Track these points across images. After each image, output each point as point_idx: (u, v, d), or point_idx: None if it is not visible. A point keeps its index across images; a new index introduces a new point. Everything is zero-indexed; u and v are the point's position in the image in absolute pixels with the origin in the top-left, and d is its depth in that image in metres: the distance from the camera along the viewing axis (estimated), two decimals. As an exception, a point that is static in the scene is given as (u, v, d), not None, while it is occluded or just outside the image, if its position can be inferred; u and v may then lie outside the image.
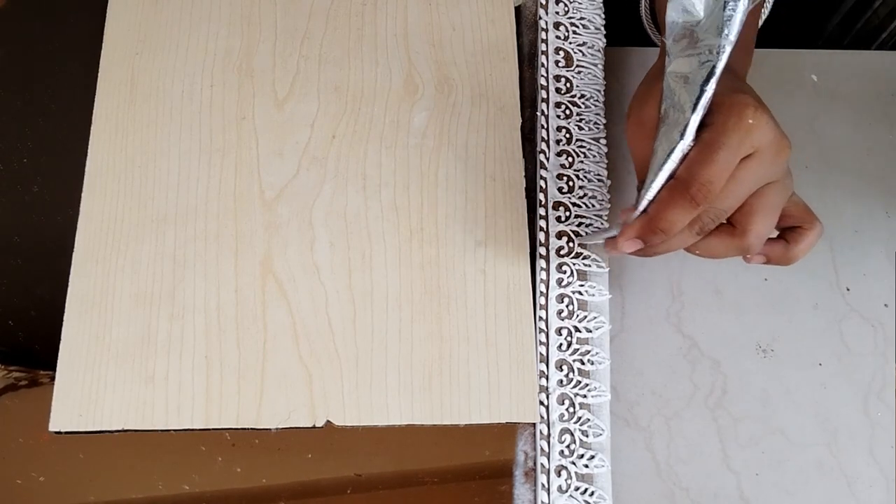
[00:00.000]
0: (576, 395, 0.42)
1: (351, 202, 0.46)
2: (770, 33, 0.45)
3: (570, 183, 0.46)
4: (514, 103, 0.49)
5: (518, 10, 0.52)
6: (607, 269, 0.44)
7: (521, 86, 0.50)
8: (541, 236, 0.45)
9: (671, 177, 0.35)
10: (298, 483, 0.42)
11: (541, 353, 0.43)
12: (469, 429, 0.42)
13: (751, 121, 0.33)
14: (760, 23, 0.45)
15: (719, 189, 0.34)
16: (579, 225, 0.45)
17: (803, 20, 0.71)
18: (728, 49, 0.33)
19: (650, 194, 0.36)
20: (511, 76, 0.50)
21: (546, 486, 0.41)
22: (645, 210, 0.36)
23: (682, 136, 0.34)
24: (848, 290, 0.48)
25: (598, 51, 0.50)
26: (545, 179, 0.46)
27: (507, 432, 0.42)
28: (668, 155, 0.34)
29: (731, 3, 0.33)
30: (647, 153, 0.37)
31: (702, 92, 0.33)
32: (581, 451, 0.41)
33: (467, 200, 0.46)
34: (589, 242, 0.44)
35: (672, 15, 0.36)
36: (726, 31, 0.33)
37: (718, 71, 0.33)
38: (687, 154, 0.34)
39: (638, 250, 0.37)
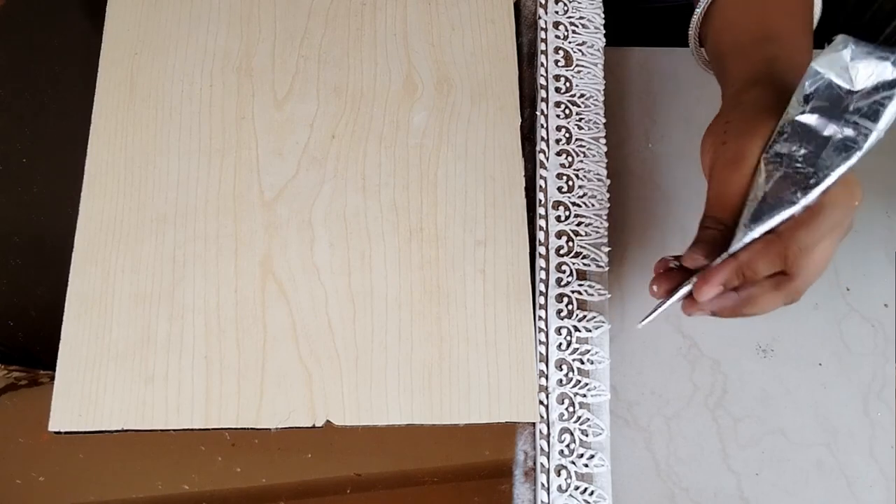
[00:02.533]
0: (575, 394, 0.42)
1: (350, 202, 0.46)
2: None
3: (570, 182, 0.46)
4: (513, 103, 0.49)
5: (517, 9, 0.52)
6: (607, 269, 0.44)
7: (520, 85, 0.50)
8: (540, 236, 0.45)
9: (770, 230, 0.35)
10: (298, 483, 0.42)
11: (540, 353, 0.43)
12: (469, 429, 0.42)
13: (857, 203, 0.34)
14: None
15: (810, 255, 0.34)
16: (579, 224, 0.45)
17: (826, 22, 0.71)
18: (876, 138, 0.33)
19: (746, 240, 0.35)
20: (510, 76, 0.50)
21: (546, 485, 0.41)
22: (734, 254, 0.35)
23: (800, 198, 0.33)
24: (848, 290, 0.48)
25: (598, 50, 0.50)
26: (545, 179, 0.46)
27: (507, 432, 0.42)
28: (780, 210, 0.34)
29: (895, 97, 0.33)
30: (734, 189, 0.36)
31: (838, 166, 0.33)
32: (581, 450, 0.41)
33: (467, 200, 0.46)
34: (654, 316, 0.41)
35: (823, 66, 0.34)
36: (882, 121, 0.33)
37: (861, 155, 0.33)
38: (793, 216, 0.34)
39: (727, 311, 0.36)
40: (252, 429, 0.41)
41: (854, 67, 0.33)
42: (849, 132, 0.33)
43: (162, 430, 0.41)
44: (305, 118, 0.47)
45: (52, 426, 0.40)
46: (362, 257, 0.44)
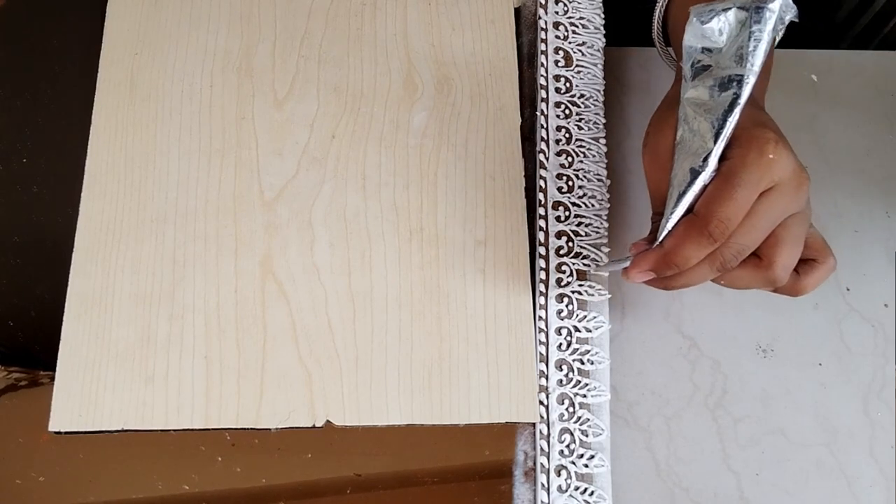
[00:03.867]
0: (575, 394, 0.42)
1: (350, 202, 0.46)
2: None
3: (570, 183, 0.46)
4: (513, 103, 0.49)
5: (518, 10, 0.52)
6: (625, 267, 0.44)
7: (520, 85, 0.50)
8: (540, 236, 0.45)
9: (689, 208, 0.34)
10: (298, 483, 0.42)
11: (540, 353, 0.43)
12: (469, 429, 0.42)
13: (771, 155, 0.33)
14: (775, 44, 0.45)
15: (736, 225, 0.33)
16: (579, 225, 0.45)
17: (805, 19, 0.71)
18: (752, 80, 0.33)
19: (669, 224, 0.35)
20: (510, 76, 0.50)
21: (546, 485, 0.41)
22: (661, 242, 0.36)
23: (703, 165, 0.33)
24: (848, 290, 0.48)
25: (598, 50, 0.50)
26: (545, 179, 0.46)
27: (507, 432, 0.42)
28: (689, 185, 0.34)
29: (755, 34, 0.33)
30: (661, 181, 0.37)
31: (724, 122, 0.33)
32: (581, 450, 0.41)
33: (467, 200, 0.46)
34: (601, 273, 0.44)
35: (690, 40, 0.35)
36: (750, 63, 0.33)
37: (742, 102, 0.32)
38: (706, 186, 0.34)
39: (656, 283, 0.37)
40: (252, 429, 0.41)
41: (708, 30, 0.34)
42: (727, 86, 0.33)
43: (162, 431, 0.41)
44: (305, 118, 0.47)
45: (52, 426, 0.40)
46: (362, 257, 0.44)
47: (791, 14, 0.34)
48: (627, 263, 0.37)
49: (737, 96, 0.33)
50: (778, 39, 0.44)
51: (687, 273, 0.36)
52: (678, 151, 0.36)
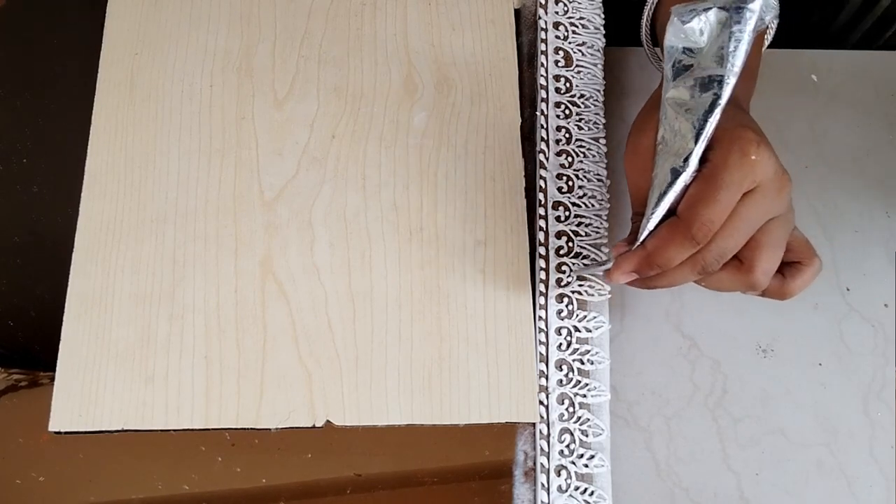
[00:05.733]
0: (575, 394, 0.42)
1: (350, 202, 0.46)
2: (776, 33, 0.45)
3: (570, 183, 0.46)
4: (513, 103, 0.49)
5: (517, 10, 0.52)
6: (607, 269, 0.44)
7: (520, 85, 0.50)
8: (540, 236, 0.45)
9: (671, 210, 0.34)
10: (298, 483, 0.42)
11: (540, 353, 0.43)
12: (469, 429, 0.42)
13: (753, 157, 0.32)
14: (765, 47, 0.45)
15: (719, 227, 0.33)
16: (578, 225, 0.45)
17: (808, 19, 0.71)
18: (732, 81, 0.32)
19: (651, 225, 0.35)
20: (510, 76, 0.50)
21: (546, 485, 0.41)
22: (643, 242, 0.35)
23: (684, 166, 0.33)
24: (848, 290, 0.48)
25: (598, 51, 0.50)
26: (545, 179, 0.46)
27: (507, 432, 0.42)
28: (669, 186, 0.34)
29: (735, 34, 0.32)
30: (642, 183, 0.36)
31: (705, 123, 0.33)
32: (581, 450, 0.41)
33: (467, 200, 0.46)
34: (586, 273, 0.44)
35: (671, 40, 0.35)
36: (731, 63, 0.32)
37: (723, 102, 0.32)
38: (688, 186, 0.34)
39: (638, 283, 0.37)
40: (252, 429, 0.41)
41: (689, 29, 0.34)
42: (707, 86, 0.33)
43: (162, 431, 0.41)
44: (305, 118, 0.47)
45: (52, 426, 0.40)
46: (362, 257, 0.44)
47: (772, 14, 0.34)
48: (609, 265, 0.37)
49: (717, 97, 0.33)
50: (769, 40, 0.44)
51: (668, 274, 0.36)
52: (659, 152, 0.35)
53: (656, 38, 0.47)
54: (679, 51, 0.35)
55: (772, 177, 0.33)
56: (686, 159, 0.33)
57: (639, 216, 0.37)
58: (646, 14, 0.45)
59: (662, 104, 0.36)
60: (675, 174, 0.34)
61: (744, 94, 0.41)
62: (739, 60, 0.33)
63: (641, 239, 0.35)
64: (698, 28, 0.34)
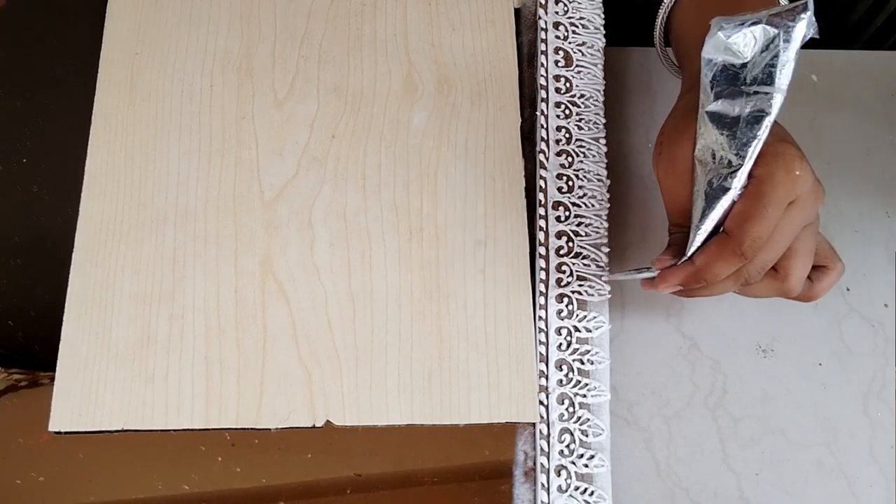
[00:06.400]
0: (575, 394, 0.42)
1: (350, 202, 0.46)
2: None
3: (570, 183, 0.46)
4: (513, 103, 0.49)
5: (517, 10, 0.52)
6: (607, 269, 0.44)
7: (520, 86, 0.50)
8: (540, 236, 0.45)
9: (718, 225, 0.35)
10: (298, 483, 0.42)
11: (540, 353, 0.43)
12: (469, 429, 0.42)
13: (797, 172, 0.33)
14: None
15: (766, 242, 0.34)
16: (579, 225, 0.45)
17: (821, 20, 0.71)
18: (780, 98, 0.32)
19: (698, 240, 0.35)
20: (510, 76, 0.50)
21: (546, 485, 0.41)
22: (690, 257, 0.36)
23: (731, 182, 0.33)
24: (848, 290, 0.48)
25: (598, 51, 0.50)
26: (545, 179, 0.46)
27: (507, 432, 0.42)
28: (716, 201, 0.34)
29: (784, 51, 0.32)
30: (681, 194, 0.37)
31: (752, 139, 0.33)
32: (581, 450, 0.41)
33: (467, 200, 0.46)
34: (622, 279, 0.44)
35: (710, 52, 0.35)
36: (779, 80, 0.32)
37: (771, 120, 0.32)
38: (734, 202, 0.34)
39: (679, 293, 0.38)
40: (252, 429, 0.41)
41: (734, 43, 0.34)
42: (754, 102, 0.33)
43: (162, 431, 0.41)
44: (305, 118, 0.47)
45: (52, 426, 0.40)
46: (362, 257, 0.44)
47: (813, 30, 0.34)
48: (648, 274, 0.38)
49: (765, 114, 0.33)
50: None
51: (711, 286, 0.36)
52: (700, 165, 0.35)
53: (668, 41, 0.47)
54: (719, 64, 0.35)
55: (810, 188, 0.34)
56: (734, 176, 0.33)
57: (677, 227, 0.38)
58: (661, 17, 0.45)
59: (701, 116, 0.35)
60: (723, 190, 0.34)
61: None
62: (787, 78, 0.33)
63: (690, 253, 0.36)
64: (743, 42, 0.34)
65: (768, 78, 0.33)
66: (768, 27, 0.33)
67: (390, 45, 0.50)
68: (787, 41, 0.33)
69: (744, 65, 0.34)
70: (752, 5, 0.41)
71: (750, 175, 0.34)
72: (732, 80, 0.34)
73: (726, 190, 0.34)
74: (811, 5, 0.33)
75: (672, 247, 0.38)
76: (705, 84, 0.35)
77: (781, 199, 0.33)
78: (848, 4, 0.70)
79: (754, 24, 0.33)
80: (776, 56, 0.33)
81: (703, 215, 0.35)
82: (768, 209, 0.33)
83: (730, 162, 0.34)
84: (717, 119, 0.35)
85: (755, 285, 0.37)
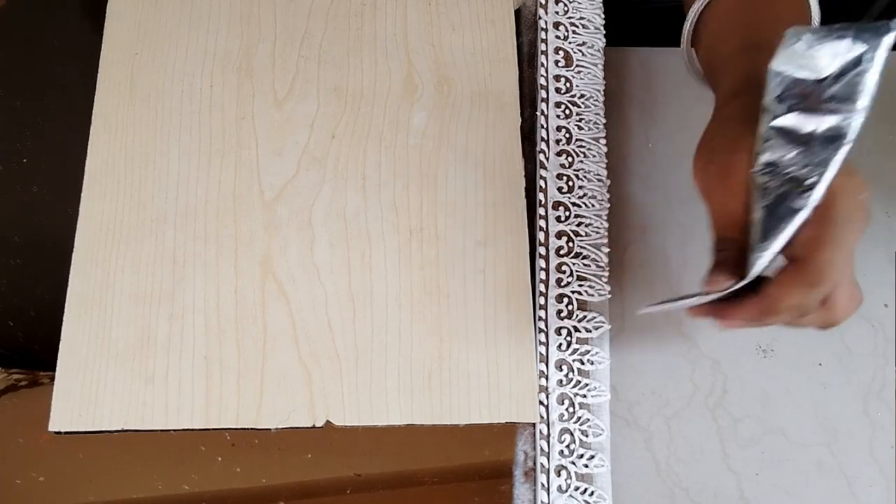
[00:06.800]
0: (575, 394, 0.42)
1: (350, 202, 0.46)
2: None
3: (570, 183, 0.46)
4: (513, 103, 0.49)
5: (518, 10, 0.52)
6: (607, 269, 0.44)
7: (520, 86, 0.50)
8: (540, 236, 0.45)
9: (782, 249, 0.32)
10: (298, 483, 0.42)
11: (540, 353, 0.43)
12: (469, 429, 0.42)
13: (861, 198, 0.32)
14: None
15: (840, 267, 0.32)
16: (579, 225, 0.45)
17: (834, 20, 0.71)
18: (862, 118, 0.31)
19: (763, 262, 0.33)
20: (511, 76, 0.50)
21: (546, 485, 0.41)
22: (757, 288, 0.33)
23: (804, 203, 0.31)
24: (848, 289, 0.48)
25: (598, 51, 0.50)
26: (545, 179, 0.46)
27: (507, 432, 0.42)
28: (788, 221, 0.32)
29: (869, 69, 0.31)
30: (733, 208, 0.34)
31: (831, 159, 0.31)
32: (581, 450, 0.41)
33: (467, 201, 0.46)
34: (667, 309, 0.39)
35: (782, 66, 0.32)
36: (862, 99, 0.31)
37: (851, 141, 0.31)
38: (803, 225, 0.32)
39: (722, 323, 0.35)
40: (252, 429, 0.41)
41: (814, 55, 0.32)
42: (832, 120, 0.31)
43: (162, 431, 0.41)
44: (305, 118, 0.47)
45: (52, 426, 0.40)
46: (362, 257, 0.44)
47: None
48: (704, 299, 0.35)
49: (844, 134, 0.31)
50: None
51: (772, 318, 0.34)
52: (762, 180, 0.33)
53: (696, 51, 0.45)
54: (790, 77, 0.33)
55: (865, 215, 0.33)
56: (806, 194, 0.31)
57: (725, 242, 0.35)
58: (690, 20, 0.43)
59: (766, 129, 0.33)
60: (793, 211, 0.32)
61: None
62: (869, 97, 0.31)
63: (752, 275, 0.33)
64: (826, 56, 0.32)
65: (851, 96, 0.31)
66: (857, 42, 0.31)
67: (390, 45, 0.50)
68: (871, 61, 0.31)
69: (819, 80, 0.32)
70: (785, 10, 0.39)
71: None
72: (807, 94, 0.32)
73: (797, 210, 0.32)
74: None
75: (722, 265, 0.35)
76: (772, 97, 0.33)
77: (853, 226, 0.32)
78: (858, 12, 0.70)
79: (841, 37, 0.31)
80: (859, 74, 0.31)
81: (769, 235, 0.32)
82: (840, 237, 0.31)
83: (803, 179, 0.32)
84: (787, 133, 0.32)
85: (804, 319, 0.34)
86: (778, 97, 0.33)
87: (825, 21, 0.42)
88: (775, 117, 0.33)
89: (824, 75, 0.32)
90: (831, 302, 0.34)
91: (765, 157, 0.33)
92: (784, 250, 0.33)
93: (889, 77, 0.54)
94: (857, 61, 0.31)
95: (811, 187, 0.31)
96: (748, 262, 0.33)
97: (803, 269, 0.32)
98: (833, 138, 0.31)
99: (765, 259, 0.33)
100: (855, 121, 0.31)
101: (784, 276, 0.33)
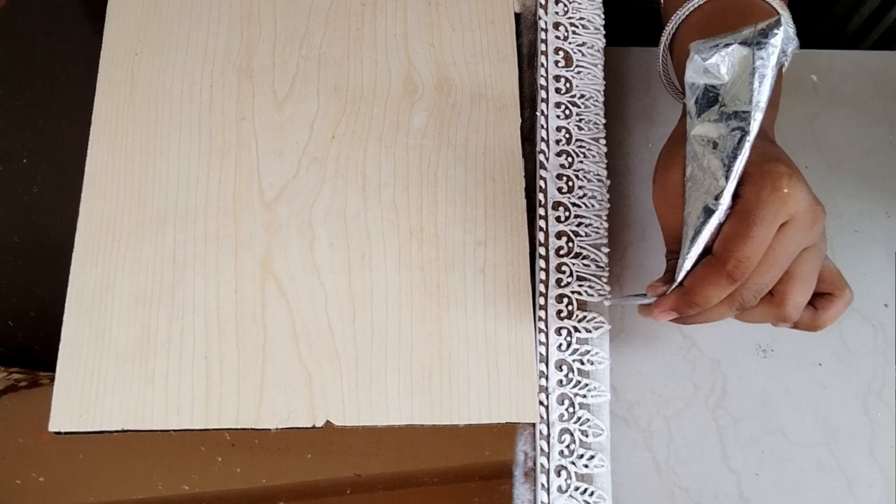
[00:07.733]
0: (575, 395, 0.42)
1: (350, 202, 0.46)
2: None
3: (570, 183, 0.46)
4: (513, 103, 0.49)
5: (518, 13, 0.52)
6: (607, 269, 0.44)
7: (520, 86, 0.50)
8: (540, 236, 0.45)
9: (706, 248, 0.34)
10: (298, 483, 0.42)
11: (540, 353, 0.43)
12: (469, 429, 0.42)
13: (786, 190, 0.32)
14: (784, 70, 0.44)
15: (756, 264, 0.33)
16: (579, 225, 0.45)
17: (817, 28, 0.71)
18: (759, 116, 0.32)
19: (687, 265, 0.35)
20: (511, 76, 0.50)
21: (546, 486, 0.41)
22: (681, 282, 0.35)
23: (717, 204, 0.33)
24: (848, 290, 0.48)
25: (598, 51, 0.50)
26: (545, 179, 0.46)
27: (507, 432, 0.42)
28: (703, 224, 0.34)
29: (759, 70, 0.32)
30: (673, 219, 0.36)
31: (735, 159, 0.32)
32: (581, 451, 0.41)
33: (467, 200, 0.46)
34: (621, 303, 0.44)
35: (692, 76, 0.35)
36: (756, 99, 0.32)
37: (751, 138, 0.32)
38: (721, 224, 0.34)
39: (676, 320, 0.37)
40: (252, 429, 0.41)
41: (712, 65, 0.34)
42: (734, 122, 0.33)
43: (162, 431, 0.41)
44: (305, 118, 0.47)
45: (52, 426, 0.40)
46: (362, 257, 0.44)
47: (793, 45, 0.34)
48: (644, 301, 0.38)
49: (745, 133, 0.32)
50: (785, 68, 0.44)
51: (706, 312, 0.36)
52: (689, 189, 0.35)
53: (671, 67, 0.46)
54: (701, 87, 0.35)
55: (806, 208, 0.33)
56: (718, 197, 0.33)
57: (673, 254, 0.37)
58: (662, 44, 0.44)
59: (689, 140, 0.35)
60: (709, 213, 0.33)
61: (768, 124, 0.40)
62: (765, 96, 0.32)
63: (680, 279, 0.35)
64: (719, 64, 0.34)
65: (746, 97, 0.33)
66: (742, 46, 0.33)
67: (390, 46, 0.50)
68: (761, 59, 0.32)
69: (723, 85, 0.34)
70: (756, 22, 0.41)
71: (738, 195, 0.33)
72: (713, 101, 0.34)
73: (711, 212, 0.33)
74: (785, 21, 0.33)
75: (666, 273, 0.37)
76: (690, 108, 0.35)
77: (769, 218, 0.32)
78: (849, 10, 0.70)
79: (727, 45, 0.33)
80: (751, 74, 0.33)
81: (691, 239, 0.34)
82: (755, 228, 0.32)
83: (716, 184, 0.33)
84: (703, 142, 0.34)
85: (751, 311, 0.35)
86: (693, 108, 0.35)
87: (809, 32, 0.43)
88: (693, 127, 0.35)
89: (726, 80, 0.34)
90: (780, 296, 0.35)
91: (689, 168, 0.35)
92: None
93: (889, 77, 0.54)
94: (748, 63, 0.33)
95: (721, 188, 0.33)
96: (677, 268, 0.36)
97: (713, 262, 0.34)
98: (738, 140, 0.33)
99: (688, 263, 0.35)
100: (754, 118, 0.33)
101: (698, 269, 0.35)
